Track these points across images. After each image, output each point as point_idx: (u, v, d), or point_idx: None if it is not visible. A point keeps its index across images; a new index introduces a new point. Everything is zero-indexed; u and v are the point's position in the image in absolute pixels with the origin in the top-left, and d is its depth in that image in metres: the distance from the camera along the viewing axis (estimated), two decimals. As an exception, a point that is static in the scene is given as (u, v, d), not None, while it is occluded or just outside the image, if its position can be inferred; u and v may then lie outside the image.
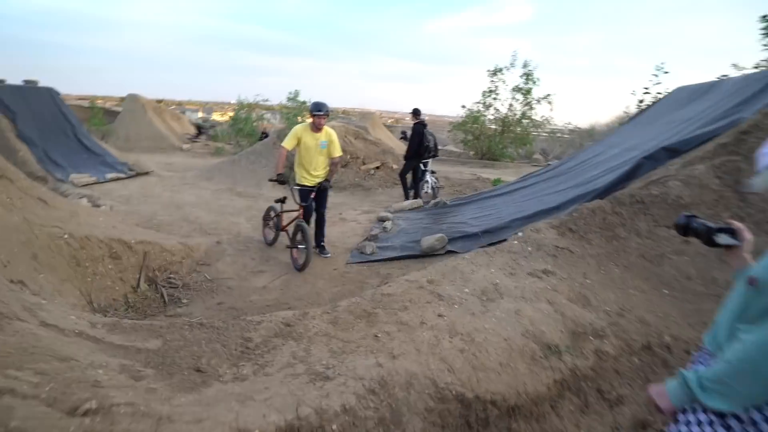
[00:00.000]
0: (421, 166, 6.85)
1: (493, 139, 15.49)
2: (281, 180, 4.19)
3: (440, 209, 6.23)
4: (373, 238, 5.06)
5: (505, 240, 3.95)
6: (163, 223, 5.32)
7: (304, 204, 4.19)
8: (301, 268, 4.01)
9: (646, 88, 7.98)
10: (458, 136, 16.87)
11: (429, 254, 4.26)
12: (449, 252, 4.20)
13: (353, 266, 4.23)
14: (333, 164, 4.35)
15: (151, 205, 6.24)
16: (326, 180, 4.30)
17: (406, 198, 7.20)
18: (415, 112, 6.90)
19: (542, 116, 15.58)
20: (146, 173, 8.26)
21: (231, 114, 19.91)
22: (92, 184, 7.08)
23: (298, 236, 4.10)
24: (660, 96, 7.61)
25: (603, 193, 3.81)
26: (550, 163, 16.58)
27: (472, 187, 10.28)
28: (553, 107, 15.07)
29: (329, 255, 4.46)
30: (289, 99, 17.39)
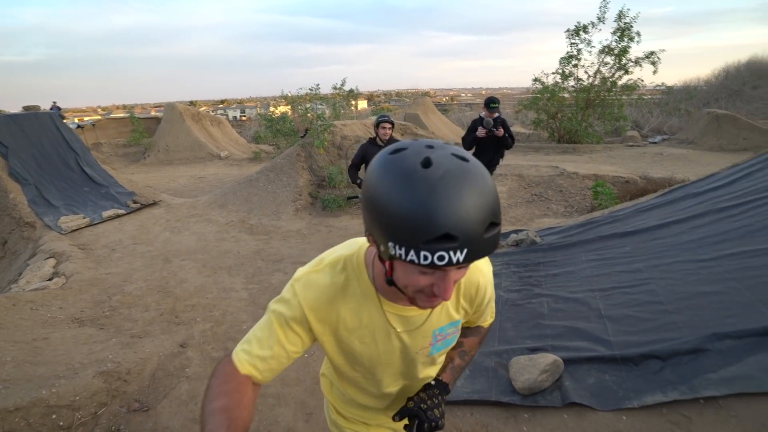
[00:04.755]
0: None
1: (574, 116, 12.38)
2: None
3: (527, 253, 4.02)
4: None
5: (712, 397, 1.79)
6: (125, 300, 3.80)
7: None
8: None
9: None
10: (528, 116, 13.94)
11: (531, 404, 2.17)
12: (573, 405, 2.08)
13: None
14: (465, 349, 1.00)
15: (134, 260, 4.82)
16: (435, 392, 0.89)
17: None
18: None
19: (632, 80, 12.06)
20: (153, 204, 7.00)
21: (284, 108, 18.62)
22: (84, 227, 5.92)
23: None
24: None
25: None
26: (653, 141, 13.03)
27: (555, 187, 7.74)
28: (657, 69, 11.52)
29: None
30: (334, 88, 15.60)
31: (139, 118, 16.64)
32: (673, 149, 10.90)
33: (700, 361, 1.97)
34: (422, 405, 0.84)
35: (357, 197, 4.90)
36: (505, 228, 5.28)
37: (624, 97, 12.66)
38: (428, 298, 0.65)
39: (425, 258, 0.53)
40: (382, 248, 0.59)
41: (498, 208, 0.57)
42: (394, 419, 0.85)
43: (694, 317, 2.25)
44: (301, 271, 0.82)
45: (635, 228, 3.60)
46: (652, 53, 11.35)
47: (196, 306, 3.71)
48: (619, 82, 12.13)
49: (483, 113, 4.58)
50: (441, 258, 0.53)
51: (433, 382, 0.90)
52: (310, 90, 15.14)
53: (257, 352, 0.78)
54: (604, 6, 11.23)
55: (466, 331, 1.00)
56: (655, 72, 11.61)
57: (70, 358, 2.69)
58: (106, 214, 6.29)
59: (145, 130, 15.52)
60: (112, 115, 26.68)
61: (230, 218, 6.21)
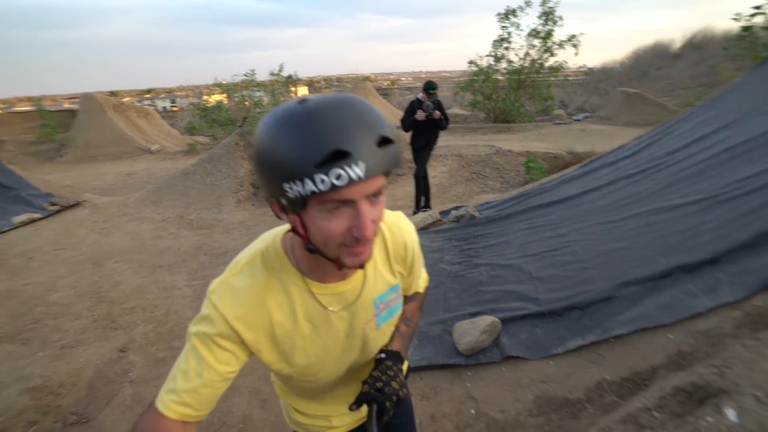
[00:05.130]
0: None
1: (507, 97, 13.04)
2: None
3: (467, 228, 4.26)
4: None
5: (620, 335, 2.08)
6: (50, 311, 3.48)
7: None
8: None
9: (757, 7, 5.43)
10: (465, 98, 14.43)
11: (473, 363, 2.37)
12: (510, 358, 2.30)
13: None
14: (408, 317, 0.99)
15: (57, 267, 4.40)
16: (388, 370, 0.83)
17: (417, 208, 5.21)
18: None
19: (558, 62, 12.92)
20: (75, 205, 6.37)
21: (218, 97, 17.47)
22: (-9, 236, 5.27)
23: None
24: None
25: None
26: (577, 118, 14.14)
27: (492, 165, 8.19)
28: (578, 51, 12.43)
29: None
30: (272, 74, 14.88)
31: (49, 111, 14.86)
32: (594, 125, 11.94)
33: (610, 306, 2.27)
34: (378, 384, 0.78)
35: None
36: (446, 205, 5.52)
37: (551, 78, 13.56)
38: (352, 249, 0.60)
39: (322, 182, 0.50)
40: (283, 201, 0.56)
41: (388, 127, 0.55)
42: (351, 409, 0.78)
43: (607, 270, 2.56)
44: (216, 281, 0.72)
45: (560, 197, 3.95)
46: (573, 36, 12.22)
47: (135, 308, 3.50)
48: (546, 64, 12.93)
49: (421, 96, 4.70)
50: (339, 177, 0.50)
51: (383, 355, 0.85)
52: (246, 76, 14.42)
53: (185, 387, 0.67)
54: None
55: (404, 299, 0.98)
56: (576, 54, 12.54)
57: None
58: (18, 219, 5.62)
59: (59, 124, 13.89)
60: (16, 109, 23.53)
61: (167, 214, 5.85)
